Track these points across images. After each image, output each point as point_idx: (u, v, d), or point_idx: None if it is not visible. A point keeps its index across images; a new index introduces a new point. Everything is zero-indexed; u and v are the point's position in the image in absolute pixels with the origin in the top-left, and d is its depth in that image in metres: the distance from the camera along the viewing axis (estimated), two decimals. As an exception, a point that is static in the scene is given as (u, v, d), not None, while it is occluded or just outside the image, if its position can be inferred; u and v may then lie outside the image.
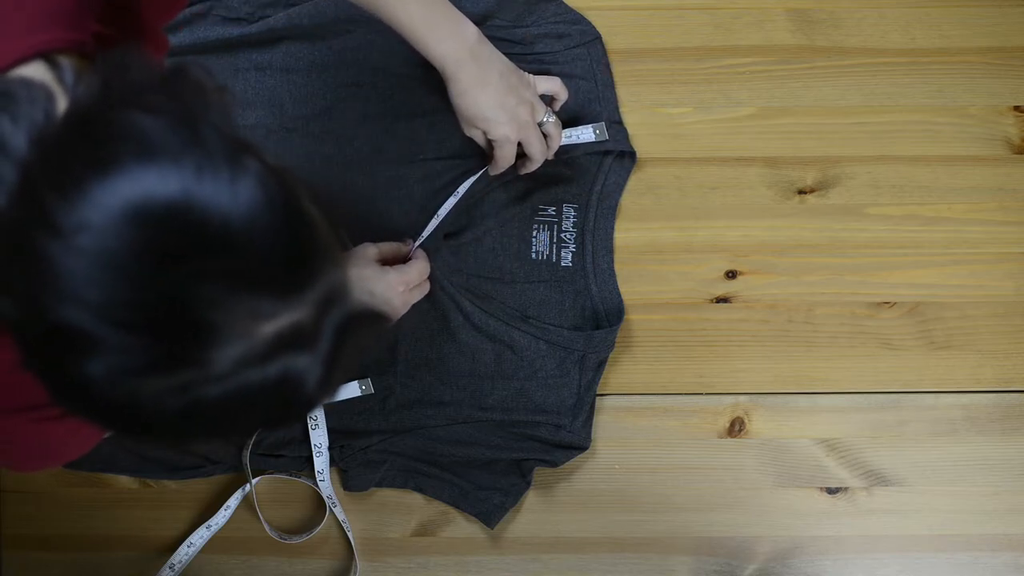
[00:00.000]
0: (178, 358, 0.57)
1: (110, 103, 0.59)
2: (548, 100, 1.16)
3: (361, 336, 0.66)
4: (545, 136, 1.14)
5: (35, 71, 0.67)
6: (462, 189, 1.19)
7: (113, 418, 0.61)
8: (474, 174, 1.19)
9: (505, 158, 1.12)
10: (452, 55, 1.05)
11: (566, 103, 1.19)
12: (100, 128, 0.58)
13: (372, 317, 0.68)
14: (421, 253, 1.18)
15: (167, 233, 0.56)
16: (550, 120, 1.13)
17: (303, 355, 0.61)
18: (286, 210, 0.59)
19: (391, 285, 1.12)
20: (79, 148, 0.57)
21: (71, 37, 0.69)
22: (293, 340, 0.60)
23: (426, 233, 1.19)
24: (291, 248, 0.59)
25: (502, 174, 1.16)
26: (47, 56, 0.67)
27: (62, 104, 0.64)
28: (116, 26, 0.75)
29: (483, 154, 1.17)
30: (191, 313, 0.56)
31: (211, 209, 0.56)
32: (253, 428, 0.65)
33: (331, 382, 0.64)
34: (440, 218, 1.19)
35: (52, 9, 0.69)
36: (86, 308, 0.56)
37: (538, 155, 1.13)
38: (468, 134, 1.12)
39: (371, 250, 1.14)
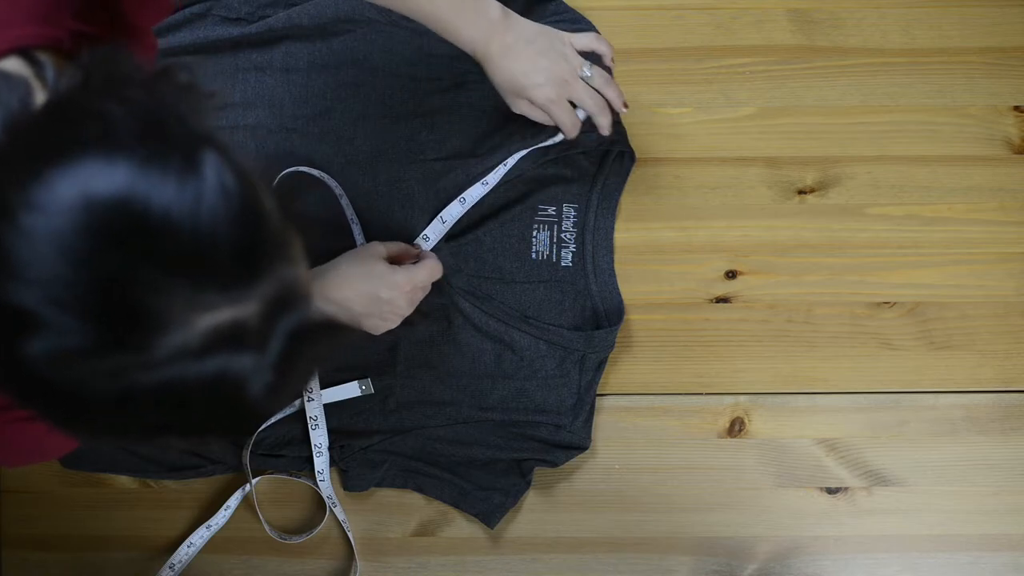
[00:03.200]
0: (115, 341, 0.58)
1: (88, 93, 0.60)
2: (595, 59, 1.11)
3: (319, 346, 0.65)
4: (598, 92, 1.10)
5: (12, 65, 0.68)
6: (511, 161, 1.17)
7: (50, 403, 0.61)
8: (537, 143, 1.17)
9: (564, 120, 1.09)
10: (481, 36, 1.05)
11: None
12: (71, 115, 0.59)
13: (333, 327, 0.67)
14: (430, 254, 1.17)
15: (112, 218, 0.57)
16: (591, 73, 1.09)
17: (245, 355, 0.61)
18: (238, 206, 0.59)
19: (398, 284, 1.11)
20: (45, 133, 0.59)
21: (47, 33, 0.70)
22: (234, 337, 0.60)
23: (431, 235, 1.19)
24: (238, 242, 0.59)
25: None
26: (25, 52, 0.68)
27: (40, 97, 0.65)
28: (96, 24, 0.75)
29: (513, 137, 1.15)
30: (129, 296, 0.57)
31: (155, 198, 0.57)
32: (195, 429, 0.64)
33: (283, 390, 0.64)
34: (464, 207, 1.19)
35: (26, 4, 0.70)
36: (33, 288, 0.57)
37: (594, 108, 1.09)
38: (517, 111, 1.09)
39: (379, 248, 1.13)
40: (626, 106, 1.10)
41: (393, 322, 1.13)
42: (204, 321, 0.59)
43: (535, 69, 1.06)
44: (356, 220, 1.20)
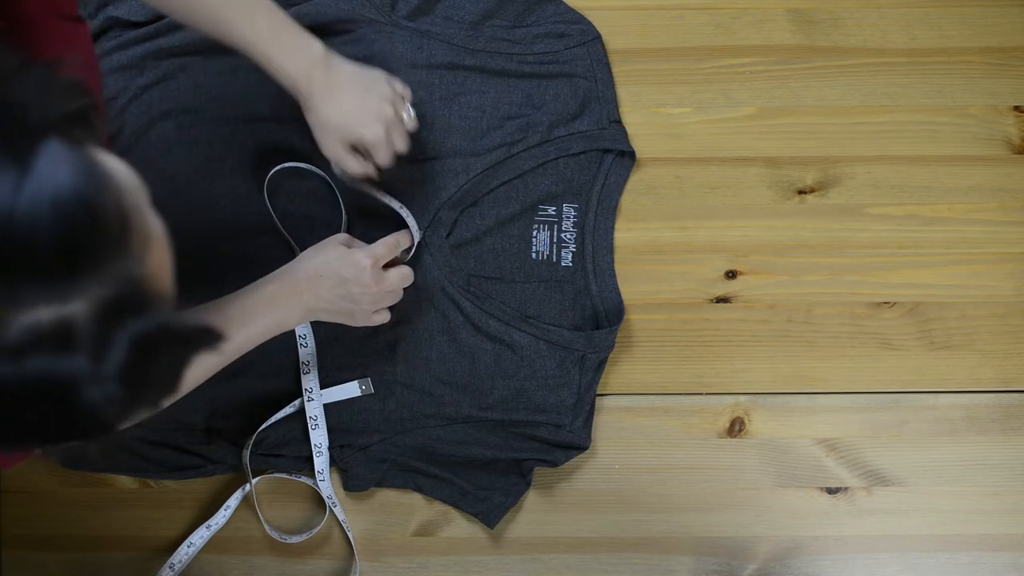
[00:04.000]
0: None
1: None
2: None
3: (177, 355, 0.62)
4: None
5: None
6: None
7: None
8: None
9: (385, 162, 1.10)
10: (304, 69, 1.04)
11: (565, 103, 1.20)
12: None
13: (195, 335, 0.64)
14: (403, 232, 1.16)
15: None
16: (412, 114, 1.11)
17: (75, 359, 0.59)
18: (66, 201, 0.57)
19: (358, 262, 1.08)
20: None
21: None
22: (59, 338, 0.58)
23: (415, 234, 1.19)
24: (58, 238, 0.57)
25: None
26: None
27: None
28: None
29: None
30: None
31: None
32: (31, 435, 0.61)
33: (134, 400, 0.61)
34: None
35: None
36: None
37: (404, 149, 1.11)
38: (331, 154, 1.09)
39: (339, 236, 1.12)
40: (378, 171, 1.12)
41: (368, 305, 1.10)
42: (21, 318, 0.57)
43: (364, 108, 1.06)
44: (346, 214, 1.20)
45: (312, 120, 1.08)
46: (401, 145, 1.11)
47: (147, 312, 0.60)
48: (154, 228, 0.63)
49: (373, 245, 1.11)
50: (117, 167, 0.62)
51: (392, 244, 1.12)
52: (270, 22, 1.01)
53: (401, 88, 1.11)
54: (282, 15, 1.03)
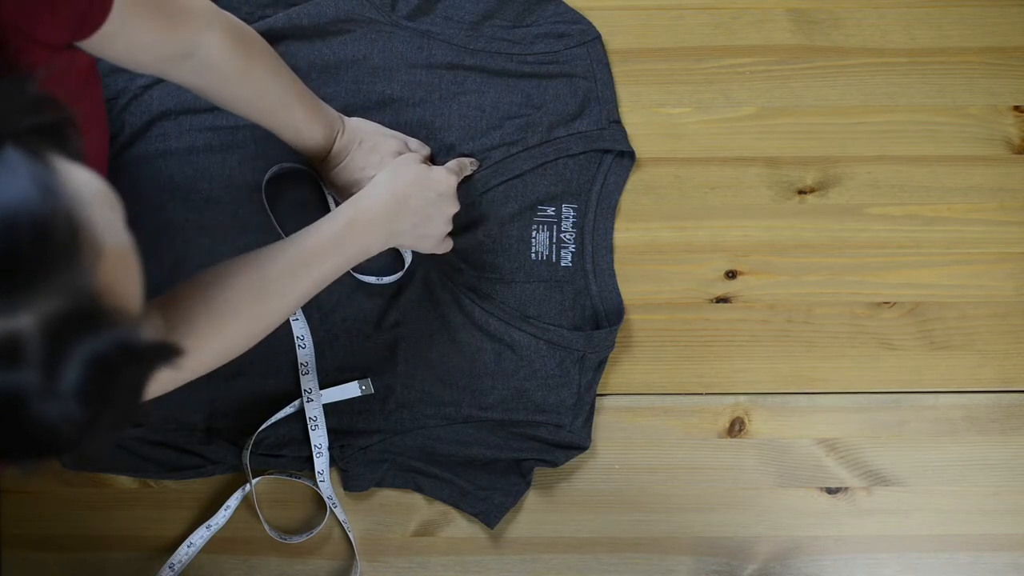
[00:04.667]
0: None
1: None
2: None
3: (137, 373, 0.61)
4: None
5: None
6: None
7: None
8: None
9: None
10: (324, 140, 1.12)
11: (565, 103, 1.21)
12: None
13: (156, 353, 0.61)
14: (464, 159, 1.20)
15: None
16: (421, 151, 1.18)
17: (21, 373, 0.57)
18: (16, 212, 0.56)
19: (443, 180, 1.11)
20: None
21: None
22: (3, 352, 0.56)
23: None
24: (4, 248, 0.55)
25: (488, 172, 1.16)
26: None
27: None
28: None
29: None
30: None
31: None
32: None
33: (94, 419, 0.59)
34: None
35: None
36: None
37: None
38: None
39: (413, 155, 1.14)
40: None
41: (445, 226, 1.13)
42: None
43: (368, 165, 1.13)
44: None
45: (331, 186, 1.16)
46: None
47: (104, 329, 0.59)
48: (114, 242, 0.61)
49: (446, 166, 1.15)
50: (83, 180, 0.61)
51: (460, 166, 1.17)
52: (303, 108, 1.09)
53: (416, 146, 1.18)
54: (309, 95, 1.11)
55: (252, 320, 1.01)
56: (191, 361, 0.97)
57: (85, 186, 0.61)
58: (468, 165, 1.19)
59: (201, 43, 0.99)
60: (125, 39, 0.90)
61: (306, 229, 1.05)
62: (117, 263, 0.61)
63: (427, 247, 1.14)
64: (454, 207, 1.13)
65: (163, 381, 0.94)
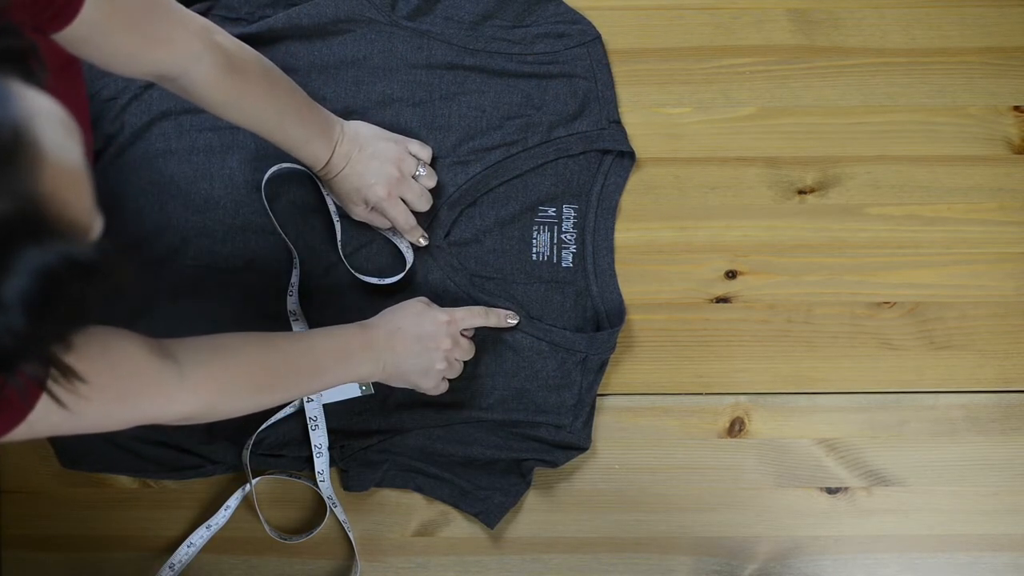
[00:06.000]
0: None
1: None
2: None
3: (84, 288, 0.61)
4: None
5: None
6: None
7: None
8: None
9: (397, 217, 1.17)
10: (325, 155, 1.13)
11: (565, 103, 1.21)
12: None
13: (105, 266, 0.62)
14: (484, 309, 1.19)
15: None
16: (423, 172, 1.17)
17: None
18: None
19: (436, 318, 1.13)
20: None
21: None
22: None
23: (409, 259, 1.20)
24: None
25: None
26: None
27: None
28: None
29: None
30: None
31: None
32: None
33: (37, 332, 0.60)
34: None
35: None
36: None
37: (419, 207, 1.18)
38: (357, 217, 1.17)
39: (421, 298, 1.16)
40: (425, 238, 1.19)
41: (441, 365, 1.14)
42: None
43: (368, 171, 1.14)
44: (338, 217, 1.20)
45: (333, 193, 1.17)
46: (413, 199, 1.17)
47: (49, 239, 0.59)
48: (61, 156, 0.61)
49: (453, 308, 1.16)
50: (39, 101, 0.61)
51: (471, 314, 1.17)
52: (301, 126, 1.10)
53: (418, 148, 1.19)
54: (308, 110, 1.11)
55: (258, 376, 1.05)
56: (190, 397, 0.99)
57: (39, 106, 0.61)
58: (505, 318, 1.19)
59: (188, 70, 0.99)
60: (101, 46, 0.90)
61: (310, 336, 1.09)
62: (64, 177, 0.61)
63: (426, 385, 1.16)
64: (452, 346, 1.15)
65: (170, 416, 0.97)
